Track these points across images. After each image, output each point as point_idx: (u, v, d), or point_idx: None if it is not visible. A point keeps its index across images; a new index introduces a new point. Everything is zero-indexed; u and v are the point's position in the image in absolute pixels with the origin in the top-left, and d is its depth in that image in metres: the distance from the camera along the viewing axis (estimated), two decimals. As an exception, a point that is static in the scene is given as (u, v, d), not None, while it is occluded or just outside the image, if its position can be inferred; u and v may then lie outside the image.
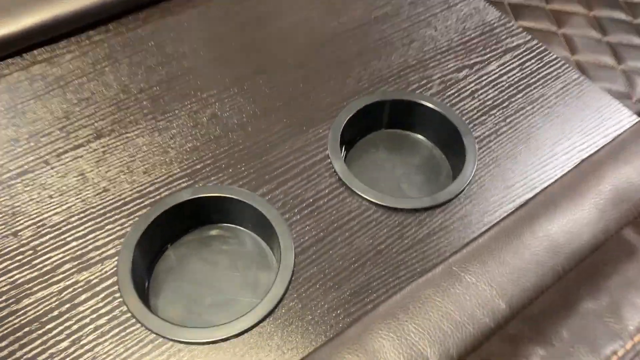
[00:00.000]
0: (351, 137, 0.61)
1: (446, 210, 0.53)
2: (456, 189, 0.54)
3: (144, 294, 0.50)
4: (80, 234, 0.50)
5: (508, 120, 0.60)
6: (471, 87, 0.62)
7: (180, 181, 0.54)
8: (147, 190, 0.53)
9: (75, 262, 0.49)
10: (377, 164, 0.61)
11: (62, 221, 0.51)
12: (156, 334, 0.45)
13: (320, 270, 0.49)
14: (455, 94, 0.62)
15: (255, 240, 0.54)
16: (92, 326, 0.45)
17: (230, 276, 0.52)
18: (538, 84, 0.63)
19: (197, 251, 0.53)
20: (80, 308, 0.46)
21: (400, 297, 0.45)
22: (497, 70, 0.64)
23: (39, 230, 0.50)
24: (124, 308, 0.46)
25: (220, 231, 0.55)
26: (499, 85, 0.62)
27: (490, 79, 0.63)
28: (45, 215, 0.51)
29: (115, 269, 0.48)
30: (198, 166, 0.55)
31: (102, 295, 0.47)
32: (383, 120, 0.62)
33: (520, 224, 0.50)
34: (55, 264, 0.48)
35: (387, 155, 0.61)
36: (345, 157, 0.59)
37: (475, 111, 0.60)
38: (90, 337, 0.45)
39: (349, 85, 0.62)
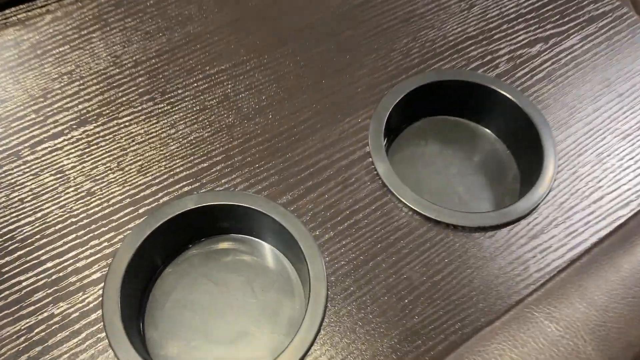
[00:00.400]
0: (395, 124, 0.49)
1: (519, 230, 0.41)
2: (532, 202, 0.42)
3: (138, 327, 0.40)
4: (57, 251, 0.40)
5: (595, 112, 0.47)
6: (547, 67, 0.50)
7: (183, 183, 0.43)
8: (142, 194, 0.42)
9: (51, 290, 0.38)
10: (426, 160, 0.49)
11: (35, 233, 0.40)
12: (150, 389, 0.35)
13: (361, 306, 0.38)
14: (528, 75, 0.49)
15: (276, 255, 0.44)
16: (69, 377, 0.36)
17: (244, 302, 0.42)
18: (632, 65, 0.50)
19: (202, 269, 0.43)
20: (55, 352, 0.36)
21: (464, 351, 0.35)
22: (579, 45, 0.51)
23: (5, 245, 0.40)
24: (110, 353, 0.36)
25: (232, 243, 0.44)
26: (582, 65, 0.50)
27: (570, 56, 0.50)
28: (15, 226, 0.41)
29: (100, 299, 0.38)
30: (205, 164, 0.44)
31: (82, 335, 0.37)
32: (435, 105, 0.50)
33: (617, 254, 0.39)
34: (25, 291, 0.38)
35: (438, 148, 0.50)
36: (386, 150, 0.48)
37: (552, 99, 0.48)
38: (67, 392, 0.35)
39: (394, 60, 0.50)
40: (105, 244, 0.40)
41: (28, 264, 0.39)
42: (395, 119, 0.48)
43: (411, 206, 0.42)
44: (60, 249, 0.40)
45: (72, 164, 0.44)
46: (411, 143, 0.50)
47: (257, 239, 0.44)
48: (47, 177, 0.43)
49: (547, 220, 0.42)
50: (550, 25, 0.52)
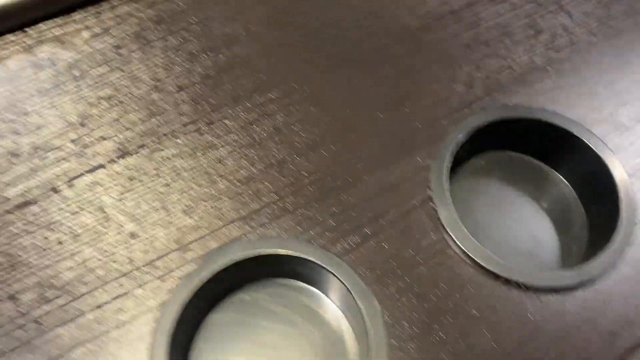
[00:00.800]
0: (455, 161, 0.46)
1: (598, 294, 0.38)
2: (610, 259, 0.39)
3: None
4: (100, 301, 0.37)
5: (678, 158, 0.44)
6: (626, 107, 0.46)
7: (232, 225, 0.40)
8: (188, 238, 0.39)
9: (91, 345, 0.36)
10: (488, 202, 0.46)
11: (74, 280, 0.38)
12: None
13: (424, 375, 0.35)
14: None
15: (329, 307, 0.40)
16: None
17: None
18: None
19: (249, 319, 0.40)
20: (98, 416, 0.34)
21: None
22: (658, 80, 0.47)
23: (43, 292, 0.37)
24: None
25: (284, 289, 0.41)
26: (662, 104, 0.46)
27: (648, 93, 0.47)
28: (51, 271, 0.38)
29: None
30: (255, 205, 0.41)
31: (127, 398, 0.34)
32: (498, 140, 0.47)
33: None
34: (62, 345, 0.36)
35: (499, 187, 0.46)
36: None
37: (628, 142, 0.44)
38: None
39: (456, 91, 0.46)
40: (150, 294, 0.37)
41: (68, 316, 0.36)
42: (456, 157, 0.44)
43: (478, 261, 0.39)
44: (103, 298, 0.37)
45: (113, 202, 0.41)
46: (470, 180, 0.47)
47: (310, 287, 0.41)
48: (86, 216, 0.40)
49: (627, 279, 0.39)
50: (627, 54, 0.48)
